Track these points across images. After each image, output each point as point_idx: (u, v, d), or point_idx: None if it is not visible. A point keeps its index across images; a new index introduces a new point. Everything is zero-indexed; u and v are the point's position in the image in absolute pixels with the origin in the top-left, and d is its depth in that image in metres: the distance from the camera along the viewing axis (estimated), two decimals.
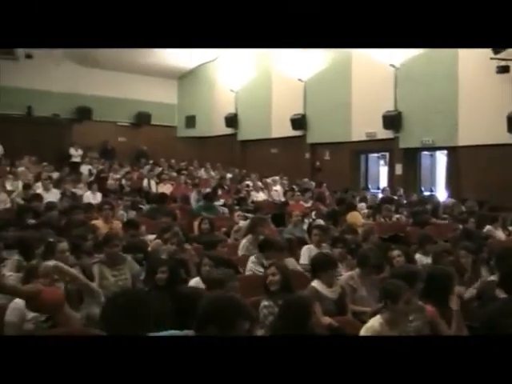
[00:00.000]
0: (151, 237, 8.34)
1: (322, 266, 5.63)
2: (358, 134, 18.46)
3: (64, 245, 5.92)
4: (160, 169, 19.58)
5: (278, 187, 17.15)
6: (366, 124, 18.02)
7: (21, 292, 3.88)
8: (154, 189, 15.60)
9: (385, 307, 4.45)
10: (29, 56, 21.91)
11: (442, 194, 16.71)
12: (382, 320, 4.37)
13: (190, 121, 25.82)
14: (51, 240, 6.18)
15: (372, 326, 4.35)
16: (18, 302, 4.48)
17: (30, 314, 4.45)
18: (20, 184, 13.82)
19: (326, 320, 4.87)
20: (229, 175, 19.20)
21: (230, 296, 3.53)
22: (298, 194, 14.28)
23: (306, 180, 18.18)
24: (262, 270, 6.56)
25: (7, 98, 21.04)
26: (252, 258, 6.95)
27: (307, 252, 7.64)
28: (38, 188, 13.04)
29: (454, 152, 16.34)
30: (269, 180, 17.64)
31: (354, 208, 11.57)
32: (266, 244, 7.07)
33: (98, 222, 8.89)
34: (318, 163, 20.43)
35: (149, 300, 3.11)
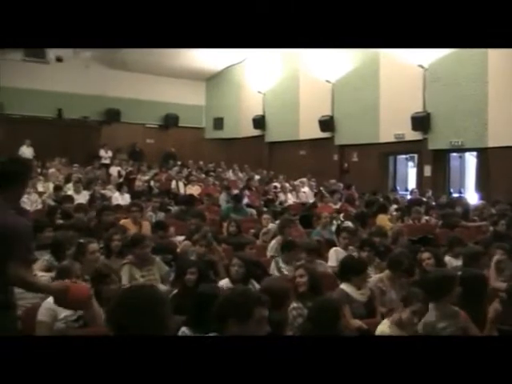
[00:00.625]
0: (180, 238, 8.37)
1: (352, 270, 5.58)
2: (386, 136, 18.32)
3: (94, 246, 5.96)
4: (188, 170, 19.66)
5: (305, 189, 17.11)
6: (394, 125, 17.88)
7: (50, 289, 3.84)
8: (182, 190, 15.67)
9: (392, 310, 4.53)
10: (59, 59, 22.24)
11: (471, 195, 16.51)
12: (390, 323, 4.39)
13: (218, 122, 25.89)
14: (82, 241, 6.23)
15: (382, 331, 4.35)
16: (50, 302, 4.52)
17: (62, 314, 4.49)
18: (51, 185, 13.94)
19: (356, 323, 4.84)
20: (256, 177, 19.20)
21: (242, 288, 3.56)
22: (327, 196, 14.19)
23: (333, 181, 18.09)
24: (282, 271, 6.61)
25: (38, 100, 21.39)
26: (276, 260, 6.98)
27: (335, 254, 7.61)
28: (69, 189, 13.15)
29: (483, 153, 16.12)
30: (296, 182, 17.61)
31: (385, 210, 11.47)
32: (286, 245, 7.10)
33: (127, 223, 8.92)
34: (345, 165, 20.35)
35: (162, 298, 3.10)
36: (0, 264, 3.46)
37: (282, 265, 6.90)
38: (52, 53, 22.10)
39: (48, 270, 6.03)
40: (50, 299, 4.50)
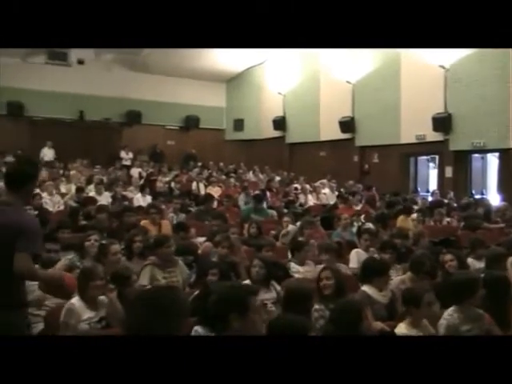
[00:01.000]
0: (201, 239, 8.38)
1: (374, 271, 5.55)
2: (407, 137, 18.20)
3: (116, 247, 5.99)
4: (209, 172, 19.70)
5: (326, 190, 17.06)
6: (415, 126, 17.76)
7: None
8: (203, 191, 15.65)
9: (408, 312, 4.53)
10: (80, 62, 22.43)
11: (493, 197, 16.35)
12: (406, 325, 4.42)
13: (238, 124, 25.91)
14: (104, 242, 6.27)
15: (400, 333, 4.34)
16: (74, 303, 4.56)
17: (85, 315, 4.52)
18: (73, 187, 14.05)
19: (378, 325, 4.81)
20: (277, 178, 19.19)
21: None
22: (351, 197, 14.12)
23: (351, 183, 18.01)
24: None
25: (60, 102, 21.58)
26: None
27: (356, 256, 7.58)
28: (91, 191, 13.24)
29: (506, 154, 15.95)
30: (317, 183, 17.57)
31: (406, 212, 11.39)
32: (296, 246, 7.11)
33: (147, 224, 8.96)
34: (366, 166, 20.26)
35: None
36: (6, 258, 3.58)
37: (293, 268, 6.84)
38: (74, 55, 22.31)
39: (69, 269, 6.07)
40: (74, 300, 4.56)
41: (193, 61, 22.25)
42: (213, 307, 3.31)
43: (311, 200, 15.92)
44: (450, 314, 4.59)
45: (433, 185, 19.00)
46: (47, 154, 20.41)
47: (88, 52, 22.21)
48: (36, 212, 9.38)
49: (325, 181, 17.91)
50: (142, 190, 13.84)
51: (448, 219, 11.96)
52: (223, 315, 3.18)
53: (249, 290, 3.26)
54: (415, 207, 13.09)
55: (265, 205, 12.92)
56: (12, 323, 3.65)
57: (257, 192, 14.28)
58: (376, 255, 7.11)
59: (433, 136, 17.31)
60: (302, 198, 15.77)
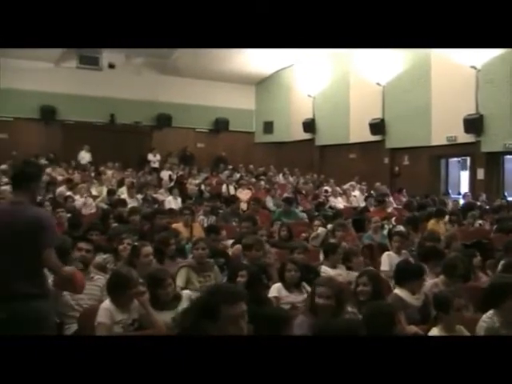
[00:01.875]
0: (231, 241, 8.38)
1: (409, 276, 5.49)
2: (438, 139, 18.02)
3: (148, 249, 6.01)
4: (238, 174, 19.73)
5: (356, 192, 16.98)
6: (446, 128, 17.57)
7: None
8: (233, 194, 15.65)
9: (438, 318, 4.48)
10: (111, 66, 22.66)
11: None
12: (439, 330, 4.36)
13: (268, 126, 25.90)
14: (136, 244, 6.30)
15: None
16: (108, 303, 4.59)
17: (119, 317, 4.54)
18: (104, 189, 14.17)
19: (412, 329, 4.76)
20: (304, 181, 19.13)
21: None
22: (385, 200, 14.00)
23: (378, 184, 17.87)
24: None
25: (92, 106, 21.80)
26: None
27: (387, 259, 7.53)
28: (122, 193, 13.33)
29: None
30: (347, 185, 17.49)
31: (440, 215, 11.26)
32: (328, 249, 7.07)
33: (179, 227, 8.99)
34: (396, 168, 20.11)
35: None
36: (31, 253, 4.00)
37: (324, 271, 6.79)
38: (105, 60, 22.54)
39: (102, 268, 6.12)
40: (107, 301, 4.60)
41: (222, 63, 22.32)
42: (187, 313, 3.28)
43: (341, 202, 15.85)
44: (489, 317, 4.53)
45: (464, 187, 18.80)
46: (84, 157, 20.69)
47: (119, 56, 22.44)
48: (69, 215, 9.51)
49: (354, 183, 17.83)
50: (171, 192, 13.90)
51: (480, 222, 11.82)
52: (195, 321, 3.09)
53: (225, 299, 3.10)
54: (446, 209, 12.96)
55: (295, 207, 12.92)
56: (45, 311, 4.07)
57: (286, 195, 14.29)
58: (408, 257, 7.06)
59: (464, 137, 17.12)
60: (332, 201, 15.71)
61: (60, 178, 15.89)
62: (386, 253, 7.76)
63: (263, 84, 26.06)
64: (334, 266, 6.82)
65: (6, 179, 15.44)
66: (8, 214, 4.15)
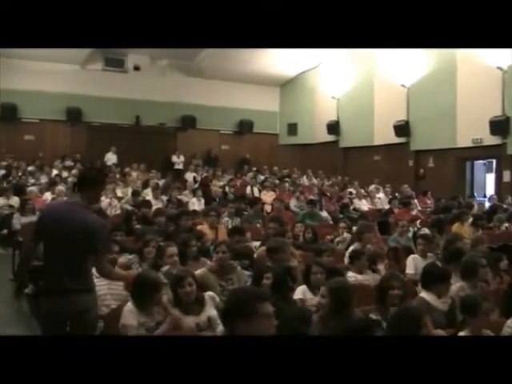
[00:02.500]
0: (256, 243, 8.37)
1: (435, 279, 5.43)
2: (463, 141, 17.85)
3: (173, 249, 6.01)
4: (263, 176, 19.73)
5: (381, 195, 16.90)
6: (472, 130, 17.41)
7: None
8: (257, 196, 15.65)
9: (465, 322, 4.44)
10: (136, 68, 22.80)
11: None
12: (466, 334, 4.32)
13: (292, 128, 25.88)
14: (161, 244, 6.31)
15: None
16: (131, 305, 4.60)
17: (142, 319, 4.55)
18: (129, 191, 14.23)
19: (438, 333, 4.71)
20: (331, 182, 19.08)
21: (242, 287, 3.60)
22: (410, 202, 13.91)
23: (405, 186, 17.74)
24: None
25: (117, 108, 21.97)
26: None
27: (413, 262, 7.46)
28: (147, 195, 13.39)
29: None
30: (371, 187, 17.41)
31: (463, 218, 11.14)
32: (353, 255, 7.01)
33: (204, 228, 9.00)
34: (421, 171, 19.96)
35: None
36: (82, 254, 4.31)
37: (351, 277, 6.74)
38: (130, 62, 22.70)
39: (126, 267, 6.14)
40: (130, 303, 4.61)
41: (246, 65, 22.36)
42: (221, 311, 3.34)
43: (365, 205, 15.79)
44: None
45: (490, 189, 18.61)
46: (111, 158, 20.85)
47: (144, 58, 22.60)
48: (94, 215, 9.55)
49: (376, 185, 17.73)
50: (195, 193, 13.92)
51: (506, 225, 11.70)
52: (229, 320, 3.18)
53: (258, 297, 3.18)
54: (471, 212, 12.83)
55: (319, 209, 12.89)
56: (90, 304, 4.40)
57: (311, 197, 14.26)
58: (434, 260, 6.98)
59: (490, 140, 16.94)
60: (356, 203, 15.66)
61: None
62: (412, 256, 7.69)
63: (287, 86, 26.04)
64: (360, 272, 6.75)
65: (33, 180, 15.64)
66: (66, 214, 4.36)
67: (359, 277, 6.66)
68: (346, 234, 9.23)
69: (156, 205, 11.94)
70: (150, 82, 22.55)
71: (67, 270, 4.30)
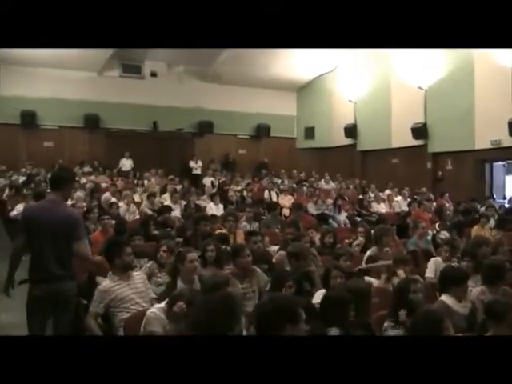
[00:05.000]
0: (274, 248, 8.36)
1: (453, 280, 5.39)
2: (482, 142, 17.70)
3: (193, 255, 6.02)
4: (283, 180, 19.73)
5: (399, 198, 16.82)
6: (490, 131, 17.25)
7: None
8: (275, 200, 15.60)
9: (486, 326, 4.38)
10: (153, 74, 22.93)
11: None
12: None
13: (310, 132, 25.86)
14: (181, 250, 6.32)
15: None
16: (157, 311, 4.62)
17: (167, 326, 4.55)
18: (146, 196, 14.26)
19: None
20: (350, 186, 19.02)
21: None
22: (427, 204, 13.83)
23: (424, 189, 17.64)
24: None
25: (135, 114, 22.10)
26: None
27: (434, 265, 7.40)
28: (165, 200, 13.42)
29: None
30: (389, 191, 17.34)
31: (482, 221, 11.06)
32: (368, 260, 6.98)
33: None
34: (439, 173, 19.84)
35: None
36: (66, 242, 5.01)
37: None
38: (147, 68, 22.85)
39: (149, 277, 6.18)
40: (155, 308, 4.64)
41: (263, 70, 22.40)
42: (266, 317, 3.46)
43: (384, 208, 15.74)
44: None
45: (509, 191, 18.46)
46: (125, 164, 20.96)
47: (161, 64, 22.76)
48: (113, 221, 9.60)
49: (392, 190, 17.62)
50: (212, 198, 13.93)
51: None
52: (279, 324, 3.35)
53: (300, 302, 3.58)
54: (491, 214, 12.73)
55: (338, 213, 12.89)
56: (73, 289, 5.15)
57: (330, 200, 14.26)
58: (455, 264, 6.92)
59: (509, 141, 16.76)
60: (374, 206, 15.61)
61: (104, 184, 16.09)
62: (433, 259, 7.62)
63: (304, 89, 26.04)
64: (378, 277, 6.72)
65: None
66: (48, 210, 5.07)
67: (375, 281, 6.63)
68: (361, 239, 9.18)
69: (175, 210, 11.98)
70: (167, 88, 22.70)
71: (55, 258, 4.97)
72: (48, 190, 5.98)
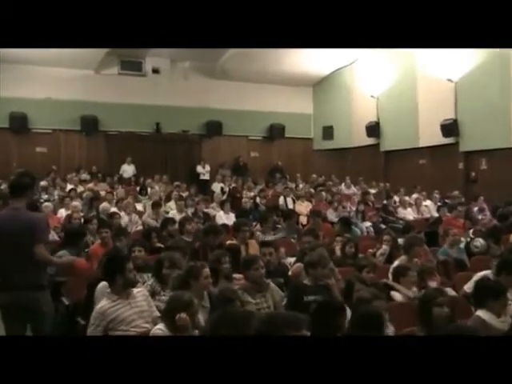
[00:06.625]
0: (291, 259, 8.34)
1: (490, 293, 5.35)
2: None
3: (208, 270, 5.98)
4: (297, 185, 19.70)
5: (428, 202, 16.76)
6: None
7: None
8: (291, 207, 15.55)
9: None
10: (155, 71, 22.94)
11: None
12: None
13: (328, 132, 25.79)
14: (194, 264, 6.30)
15: None
16: (161, 328, 4.65)
17: None
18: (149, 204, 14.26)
19: None
20: (372, 190, 18.98)
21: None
22: (460, 209, 13.78)
23: (456, 193, 17.57)
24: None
25: (136, 115, 22.12)
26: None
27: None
28: (170, 209, 13.43)
29: None
30: (416, 194, 17.28)
31: None
32: (396, 272, 6.94)
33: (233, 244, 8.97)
34: (473, 174, 19.75)
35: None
36: (29, 247, 5.29)
37: (395, 294, 6.66)
38: (148, 64, 22.87)
39: (152, 295, 6.17)
40: (160, 326, 4.68)
41: (276, 65, 22.38)
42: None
43: (411, 214, 15.68)
44: None
45: None
46: (127, 170, 20.99)
47: (163, 60, 22.75)
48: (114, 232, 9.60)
49: (419, 194, 17.57)
50: (221, 206, 13.91)
51: None
52: None
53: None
54: None
55: (361, 220, 12.85)
56: (41, 300, 5.46)
57: (350, 205, 14.23)
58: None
59: None
60: (401, 212, 15.56)
61: (103, 193, 16.09)
62: (481, 273, 7.40)
63: (321, 85, 26.02)
64: (408, 288, 6.67)
65: (46, 196, 15.78)
66: (9, 218, 5.49)
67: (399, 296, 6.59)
68: (384, 247, 9.14)
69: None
70: (170, 86, 22.77)
71: (18, 267, 5.32)
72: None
